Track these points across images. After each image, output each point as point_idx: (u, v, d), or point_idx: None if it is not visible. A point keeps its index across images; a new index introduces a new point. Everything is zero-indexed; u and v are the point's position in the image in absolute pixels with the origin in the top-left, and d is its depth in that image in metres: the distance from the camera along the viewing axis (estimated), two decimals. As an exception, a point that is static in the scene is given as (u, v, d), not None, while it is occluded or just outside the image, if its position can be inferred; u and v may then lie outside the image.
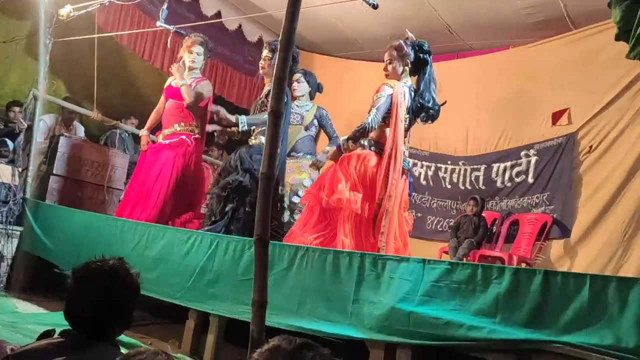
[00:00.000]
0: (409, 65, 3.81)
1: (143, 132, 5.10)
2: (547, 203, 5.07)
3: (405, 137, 3.81)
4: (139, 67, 6.84)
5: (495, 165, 5.59)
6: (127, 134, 6.36)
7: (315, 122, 4.97)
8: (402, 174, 3.73)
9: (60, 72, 6.42)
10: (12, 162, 5.25)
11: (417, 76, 3.84)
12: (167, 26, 4.89)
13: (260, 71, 4.59)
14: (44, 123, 5.83)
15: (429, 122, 3.87)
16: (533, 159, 5.22)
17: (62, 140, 5.50)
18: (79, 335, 1.60)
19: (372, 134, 3.75)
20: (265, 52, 4.51)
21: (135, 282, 1.75)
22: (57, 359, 1.44)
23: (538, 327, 2.35)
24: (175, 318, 4.26)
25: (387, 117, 3.69)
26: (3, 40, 5.03)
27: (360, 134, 3.69)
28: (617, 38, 2.68)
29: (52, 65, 5.60)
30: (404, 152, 3.77)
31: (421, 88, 3.75)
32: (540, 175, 5.19)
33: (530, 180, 5.29)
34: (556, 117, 5.14)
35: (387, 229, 3.59)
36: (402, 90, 3.74)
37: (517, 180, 5.43)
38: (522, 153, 5.37)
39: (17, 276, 4.88)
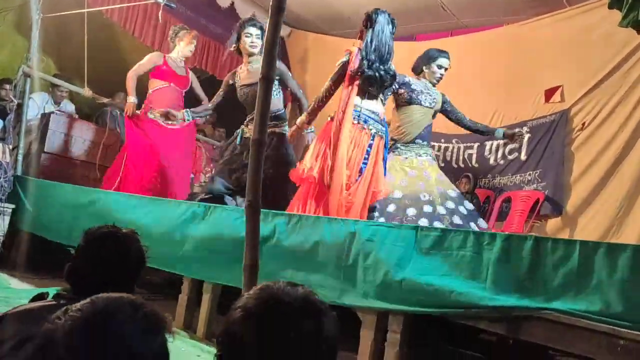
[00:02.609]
0: (360, 30, 3.88)
1: (133, 100, 5.05)
2: (539, 180, 5.09)
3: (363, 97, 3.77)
4: (130, 44, 6.77)
5: (488, 143, 5.60)
6: (118, 112, 6.30)
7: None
8: (369, 137, 3.75)
9: (50, 49, 6.33)
10: (2, 140, 5.21)
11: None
12: (157, -1, 4.84)
13: (254, 50, 4.43)
14: (33, 101, 5.76)
15: (375, 87, 3.77)
16: (526, 137, 5.22)
17: (52, 118, 5.47)
18: (76, 298, 1.60)
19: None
20: (254, 30, 4.42)
21: (144, 255, 1.75)
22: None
23: (528, 293, 2.37)
24: (168, 294, 4.28)
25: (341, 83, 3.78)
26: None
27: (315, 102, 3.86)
28: (611, 6, 2.68)
29: (42, 42, 5.53)
30: (361, 111, 3.74)
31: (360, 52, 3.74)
32: (533, 152, 5.20)
33: (523, 157, 5.31)
34: (549, 94, 5.14)
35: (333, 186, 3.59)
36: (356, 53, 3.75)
37: (510, 157, 5.44)
38: (515, 130, 5.38)
39: (9, 253, 4.87)
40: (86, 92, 5.74)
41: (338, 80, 3.80)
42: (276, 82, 4.62)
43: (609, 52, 4.85)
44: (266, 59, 2.07)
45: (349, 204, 3.62)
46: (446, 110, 4.37)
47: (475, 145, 5.66)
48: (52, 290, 1.67)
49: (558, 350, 3.35)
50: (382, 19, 3.75)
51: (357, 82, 3.71)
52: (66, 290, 1.64)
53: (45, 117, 5.48)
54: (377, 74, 3.69)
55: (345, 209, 3.59)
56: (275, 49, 2.11)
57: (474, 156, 5.68)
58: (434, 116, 4.34)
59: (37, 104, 5.85)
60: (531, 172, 5.18)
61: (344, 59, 3.78)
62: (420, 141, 4.24)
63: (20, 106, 5.30)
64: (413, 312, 2.72)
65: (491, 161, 5.57)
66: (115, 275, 1.62)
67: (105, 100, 6.01)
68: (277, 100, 4.51)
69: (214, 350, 2.97)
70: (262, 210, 3.42)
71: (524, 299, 2.36)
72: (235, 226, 3.45)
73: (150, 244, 3.82)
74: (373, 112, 3.79)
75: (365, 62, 3.67)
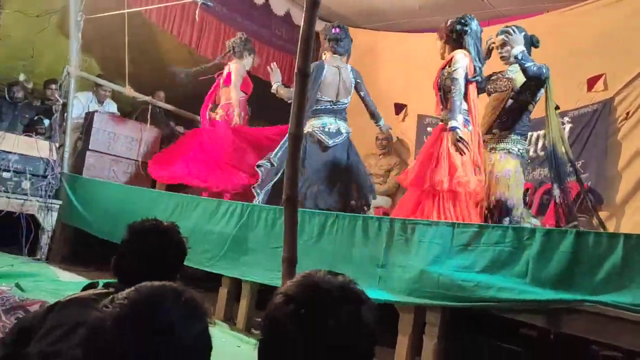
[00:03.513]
0: (448, 41, 3.83)
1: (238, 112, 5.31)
2: (582, 171, 4.95)
3: None
4: (169, 43, 6.90)
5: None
6: (157, 109, 6.45)
7: None
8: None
9: (92, 49, 6.53)
10: (49, 138, 5.40)
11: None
12: (194, -2, 4.93)
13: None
14: (78, 100, 5.95)
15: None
16: (567, 127, 5.08)
17: (96, 116, 5.64)
18: (125, 287, 1.66)
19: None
20: None
21: (185, 246, 1.81)
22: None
23: (570, 287, 2.33)
24: (208, 287, 4.37)
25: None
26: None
27: (459, 102, 3.61)
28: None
29: (85, 43, 5.70)
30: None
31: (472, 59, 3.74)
32: (575, 142, 5.06)
33: (565, 148, 5.17)
34: (591, 83, 4.98)
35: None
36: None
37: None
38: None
39: (57, 247, 5.07)
40: (127, 90, 5.89)
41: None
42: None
43: (654, 39, 4.68)
44: (302, 53, 2.08)
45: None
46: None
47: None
48: (101, 282, 1.74)
49: (602, 344, 3.30)
50: (474, 25, 3.77)
51: (474, 89, 3.74)
52: (114, 281, 1.71)
53: (90, 116, 5.66)
54: (483, 82, 3.82)
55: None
56: (310, 43, 2.12)
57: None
58: None
59: (81, 103, 6.05)
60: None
61: (466, 60, 3.67)
62: None
63: (65, 105, 5.48)
64: (450, 307, 2.71)
65: (531, 152, 5.45)
66: (158, 266, 1.68)
67: (146, 98, 6.14)
68: None
69: (253, 341, 3.06)
70: (299, 209, 3.51)
71: (565, 292, 2.32)
72: (272, 226, 3.52)
73: (191, 243, 3.96)
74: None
75: (478, 69, 3.73)
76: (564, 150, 3.80)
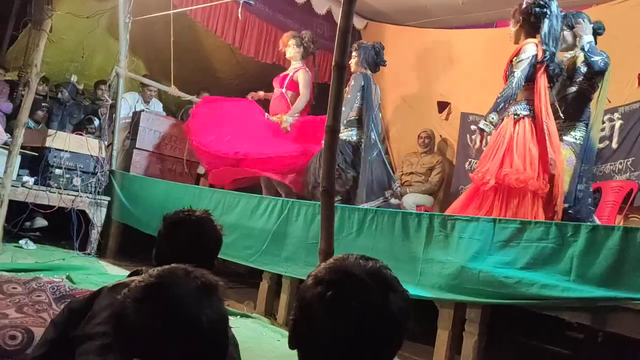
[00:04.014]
0: (524, 26, 3.62)
1: None
2: (632, 169, 4.77)
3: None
4: (212, 43, 7.04)
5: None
6: (202, 109, 6.59)
7: None
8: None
9: (138, 50, 6.73)
10: (98, 137, 5.60)
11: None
12: (236, -4, 5.01)
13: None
14: (125, 100, 6.15)
15: (550, 83, 3.57)
16: (617, 123, 4.90)
17: (143, 116, 5.81)
18: None
19: (521, 96, 3.55)
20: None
21: (219, 233, 1.86)
22: None
23: (616, 284, 2.26)
24: (249, 283, 4.45)
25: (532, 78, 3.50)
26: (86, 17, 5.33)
27: (504, 101, 3.49)
28: None
29: (132, 44, 5.89)
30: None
31: (541, 44, 3.51)
32: (625, 139, 4.88)
33: (614, 145, 4.98)
34: (643, 77, 4.80)
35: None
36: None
37: (601, 146, 5.13)
38: (606, 117, 5.04)
39: (105, 242, 5.25)
40: (173, 90, 6.04)
41: (529, 74, 3.50)
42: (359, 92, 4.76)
43: None
44: (339, 47, 2.10)
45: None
46: None
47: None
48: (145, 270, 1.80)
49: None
50: (554, 6, 3.51)
51: (544, 77, 3.49)
52: None
53: (137, 115, 5.83)
54: (557, 68, 3.54)
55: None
56: (348, 37, 2.13)
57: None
58: None
59: (128, 103, 6.24)
60: (622, 161, 4.85)
61: (534, 50, 3.49)
62: None
63: (113, 105, 5.67)
64: (491, 304, 2.66)
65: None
66: (193, 255, 1.72)
67: (190, 97, 6.28)
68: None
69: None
70: (338, 205, 3.56)
71: (611, 290, 2.25)
72: (311, 221, 3.55)
73: (233, 239, 4.02)
74: None
75: (548, 54, 3.45)
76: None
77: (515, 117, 3.52)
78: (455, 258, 2.80)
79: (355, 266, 1.00)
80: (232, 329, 1.81)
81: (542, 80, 3.48)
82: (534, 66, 3.48)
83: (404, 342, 1.00)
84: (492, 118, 3.51)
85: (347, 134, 4.67)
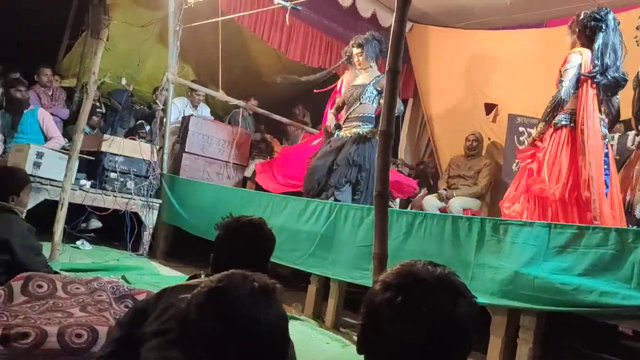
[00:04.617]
0: (580, 37, 3.64)
1: None
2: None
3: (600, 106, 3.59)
4: (258, 48, 7.15)
5: (631, 133, 5.12)
6: (248, 113, 6.70)
7: None
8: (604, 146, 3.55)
9: (188, 57, 6.91)
10: (150, 141, 5.77)
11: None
12: (283, 3, 5.07)
13: (358, 67, 4.89)
14: (174, 106, 6.31)
15: (608, 93, 3.60)
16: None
17: (191, 120, 5.95)
18: None
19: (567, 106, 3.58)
20: (356, 50, 4.84)
21: (274, 237, 1.93)
22: None
23: (682, 293, 2.18)
24: (295, 285, 4.48)
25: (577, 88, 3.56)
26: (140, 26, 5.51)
27: (552, 109, 3.56)
28: None
29: (181, 51, 6.04)
30: (602, 119, 3.58)
31: (593, 57, 3.54)
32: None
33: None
34: None
35: (597, 195, 3.32)
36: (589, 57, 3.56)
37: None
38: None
39: (157, 243, 5.40)
40: (220, 95, 6.16)
41: (575, 83, 3.55)
42: (376, 91, 4.77)
43: None
44: (393, 52, 2.10)
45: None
46: None
47: (616, 135, 5.21)
48: (203, 274, 1.85)
49: None
50: (611, 18, 3.53)
51: (594, 89, 3.51)
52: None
53: (186, 120, 5.98)
54: (612, 80, 3.50)
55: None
56: (401, 43, 2.14)
57: (615, 147, 5.23)
58: None
59: (177, 108, 6.41)
60: None
61: (577, 60, 3.55)
62: None
63: (164, 111, 5.83)
64: (546, 311, 2.61)
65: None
66: (250, 259, 1.77)
67: (237, 102, 6.39)
68: (369, 105, 4.77)
69: (341, 338, 3.09)
70: (389, 209, 3.54)
71: (676, 299, 2.17)
72: (359, 225, 3.55)
73: (281, 242, 4.08)
74: (603, 120, 3.61)
75: (599, 67, 3.47)
76: None
77: (555, 125, 3.60)
78: (508, 263, 2.75)
79: (424, 272, 1.00)
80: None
81: (587, 92, 3.51)
82: (579, 76, 3.53)
83: (472, 348, 1.00)
84: (541, 126, 3.64)
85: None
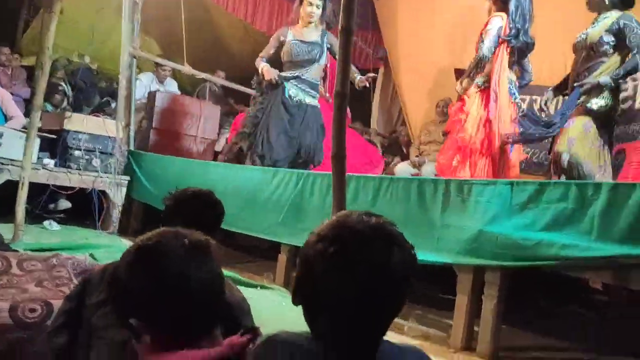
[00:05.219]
0: (496, 2, 3.84)
1: None
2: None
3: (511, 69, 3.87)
4: (225, 20, 7.00)
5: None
6: (217, 87, 6.59)
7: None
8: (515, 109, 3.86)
9: (151, 31, 6.73)
10: (116, 118, 5.63)
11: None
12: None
13: (311, 20, 4.50)
14: (140, 81, 6.17)
15: (521, 55, 3.87)
16: (641, 82, 4.76)
17: (158, 95, 5.82)
18: None
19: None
20: (318, 2, 4.47)
21: (222, 207, 1.91)
22: None
23: (638, 241, 2.20)
24: (268, 256, 4.47)
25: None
26: None
27: (475, 66, 3.78)
28: None
29: (144, 25, 5.87)
30: (513, 80, 3.88)
31: (509, 21, 3.74)
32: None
33: (638, 105, 4.85)
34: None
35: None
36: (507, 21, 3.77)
37: (623, 107, 4.96)
38: (629, 77, 4.89)
39: (127, 221, 5.32)
40: (187, 69, 6.03)
41: (495, 44, 3.75)
42: (326, 48, 4.58)
43: None
44: (346, 10, 2.05)
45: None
46: None
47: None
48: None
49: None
50: None
51: (507, 52, 3.76)
52: None
53: (152, 96, 5.85)
54: (523, 43, 3.76)
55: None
56: (354, 1, 2.09)
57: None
58: None
59: (143, 84, 6.26)
60: (646, 120, 4.72)
61: (500, 23, 3.72)
62: None
63: (129, 87, 5.68)
64: (510, 267, 2.63)
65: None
66: (198, 229, 1.75)
67: (204, 75, 6.26)
68: (321, 67, 4.65)
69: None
70: (354, 174, 3.54)
71: (633, 247, 2.20)
72: (327, 192, 3.53)
73: (250, 212, 4.04)
74: (513, 82, 3.88)
75: (514, 31, 3.69)
76: None
77: (477, 86, 3.82)
78: (473, 222, 2.76)
79: (359, 222, 0.97)
80: (250, 299, 1.83)
81: (502, 55, 3.75)
82: (498, 39, 3.73)
83: (407, 298, 0.97)
84: (465, 82, 3.86)
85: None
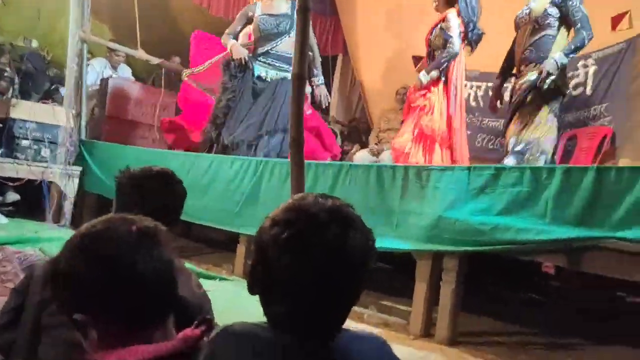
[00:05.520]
0: None
1: None
2: (606, 115, 4.77)
3: None
4: (181, 5, 6.82)
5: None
6: (172, 74, 6.41)
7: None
8: None
9: (103, 16, 6.49)
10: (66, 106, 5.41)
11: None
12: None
13: None
14: (92, 67, 5.95)
15: (470, 48, 4.04)
16: (591, 69, 4.87)
17: (110, 82, 5.63)
18: None
19: None
20: None
21: (185, 190, 1.78)
22: None
23: (591, 224, 2.27)
24: (227, 247, 4.41)
25: None
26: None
27: (448, 62, 3.87)
28: None
29: (95, 8, 5.65)
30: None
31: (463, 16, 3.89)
32: (599, 85, 4.85)
33: (589, 92, 4.96)
34: (616, 21, 4.72)
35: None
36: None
37: (575, 93, 5.09)
38: (580, 64, 5.00)
39: (80, 213, 5.14)
40: (140, 54, 5.84)
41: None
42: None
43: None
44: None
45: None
46: None
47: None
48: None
49: (626, 289, 3.22)
50: None
51: (464, 47, 3.95)
52: None
53: (104, 82, 5.65)
54: (476, 36, 3.94)
55: None
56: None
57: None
58: None
59: (95, 70, 6.04)
60: (596, 107, 4.85)
61: (457, 19, 3.86)
62: None
63: (79, 73, 5.47)
64: (468, 252, 2.66)
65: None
66: (162, 212, 1.65)
67: (158, 61, 6.08)
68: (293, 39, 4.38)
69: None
70: (313, 162, 3.51)
71: (586, 230, 2.26)
72: (285, 180, 3.48)
73: (208, 202, 3.95)
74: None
75: (472, 24, 3.88)
76: None
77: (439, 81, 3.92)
78: (431, 208, 2.78)
79: (314, 205, 0.94)
80: (208, 291, 1.77)
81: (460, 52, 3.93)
82: (462, 34, 3.88)
83: (366, 285, 0.95)
84: (434, 75, 3.88)
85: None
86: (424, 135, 3.79)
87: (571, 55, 3.54)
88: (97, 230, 0.98)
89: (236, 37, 4.47)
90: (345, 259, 0.90)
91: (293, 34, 4.38)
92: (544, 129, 3.45)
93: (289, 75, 4.27)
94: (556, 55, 3.44)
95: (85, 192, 5.20)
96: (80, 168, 5.15)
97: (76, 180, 5.12)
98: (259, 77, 4.33)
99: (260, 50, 4.35)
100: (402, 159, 3.81)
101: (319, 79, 4.55)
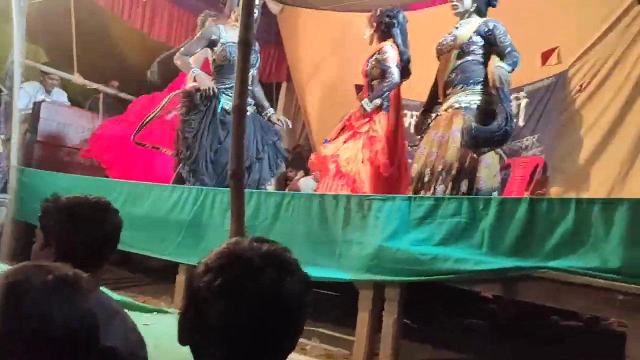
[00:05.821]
0: (377, 31, 4.11)
1: None
2: (538, 145, 5.01)
3: None
4: (121, 29, 6.68)
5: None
6: (110, 99, 6.25)
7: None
8: None
9: (38, 38, 6.26)
10: (-5, 131, 5.16)
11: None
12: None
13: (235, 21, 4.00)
14: (24, 91, 5.70)
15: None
16: (523, 102, 5.12)
17: (43, 106, 5.42)
18: None
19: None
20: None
21: (120, 219, 1.69)
22: None
23: (525, 254, 2.34)
24: (166, 277, 4.26)
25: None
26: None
27: (388, 91, 3.98)
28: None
29: (31, 32, 5.43)
30: None
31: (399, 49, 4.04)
32: (531, 117, 5.10)
33: (521, 123, 5.21)
34: (545, 56, 5.00)
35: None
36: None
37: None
38: (512, 96, 5.24)
39: (6, 243, 4.84)
40: (76, 78, 5.67)
41: None
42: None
43: (604, 10, 4.72)
44: (243, 23, 2.00)
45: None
46: None
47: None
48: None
49: (562, 314, 3.33)
50: (401, 17, 4.09)
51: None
52: None
53: (37, 106, 5.43)
54: (407, 61, 4.10)
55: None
56: (251, 14, 2.05)
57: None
58: None
59: (28, 94, 5.79)
60: (529, 137, 5.09)
61: (393, 51, 4.00)
62: None
63: (10, 96, 5.23)
64: (409, 282, 2.68)
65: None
66: (99, 244, 1.58)
67: (96, 85, 5.92)
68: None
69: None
70: (254, 190, 3.48)
71: (520, 260, 2.32)
72: (227, 207, 3.42)
73: (148, 232, 3.82)
74: None
75: (407, 57, 4.06)
76: None
77: (384, 109, 4.03)
78: (373, 238, 2.79)
79: (249, 249, 0.91)
80: (146, 326, 1.68)
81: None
82: (400, 65, 4.01)
83: (303, 328, 0.93)
84: (377, 102, 3.98)
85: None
86: (373, 163, 3.87)
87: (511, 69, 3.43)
88: (8, 282, 0.91)
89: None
90: (281, 303, 0.88)
91: (257, 65, 4.42)
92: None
93: (253, 109, 4.27)
94: (499, 64, 3.39)
95: (14, 221, 4.91)
96: (8, 196, 4.88)
97: (4, 209, 4.85)
98: (223, 110, 4.05)
99: (227, 81, 4.02)
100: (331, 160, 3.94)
101: (270, 110, 4.56)
